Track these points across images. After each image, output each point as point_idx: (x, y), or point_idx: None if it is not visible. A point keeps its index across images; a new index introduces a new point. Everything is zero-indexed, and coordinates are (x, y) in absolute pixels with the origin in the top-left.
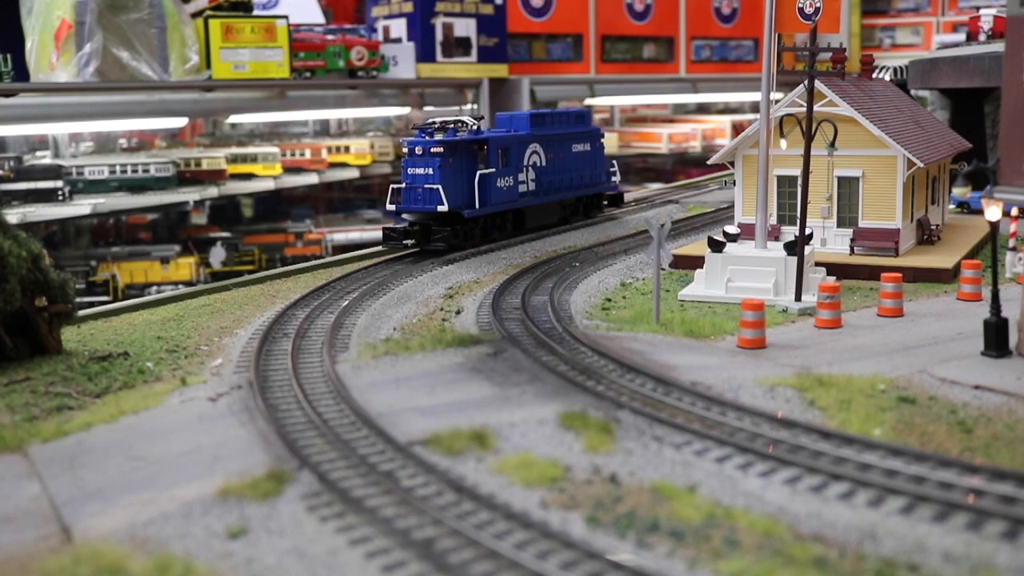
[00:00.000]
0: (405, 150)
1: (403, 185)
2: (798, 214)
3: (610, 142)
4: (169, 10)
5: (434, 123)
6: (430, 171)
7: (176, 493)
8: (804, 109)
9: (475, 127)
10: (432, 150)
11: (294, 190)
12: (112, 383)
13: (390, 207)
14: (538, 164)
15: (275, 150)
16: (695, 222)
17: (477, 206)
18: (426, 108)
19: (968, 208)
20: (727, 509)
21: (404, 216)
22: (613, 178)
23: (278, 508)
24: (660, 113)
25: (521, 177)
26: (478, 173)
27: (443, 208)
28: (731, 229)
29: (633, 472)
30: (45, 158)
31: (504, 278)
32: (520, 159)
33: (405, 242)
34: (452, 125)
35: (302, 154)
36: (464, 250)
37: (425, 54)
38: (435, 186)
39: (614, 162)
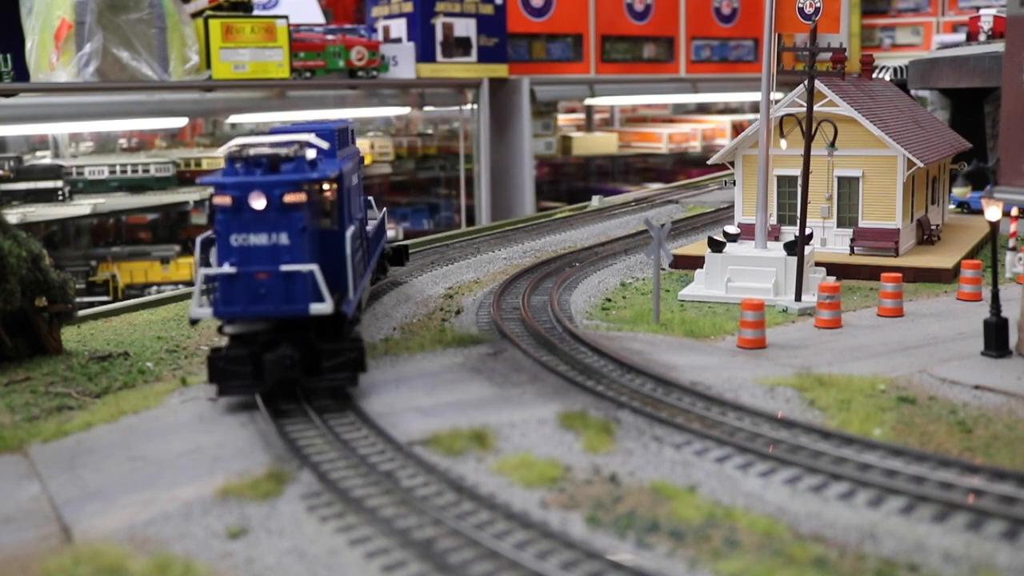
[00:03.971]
0: (219, 200)
1: (219, 270)
2: (798, 214)
3: (610, 142)
4: (169, 10)
5: (254, 147)
6: (283, 239)
7: (176, 493)
8: (804, 109)
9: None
10: (286, 200)
11: None
12: (112, 383)
13: (199, 313)
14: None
15: None
16: (695, 222)
17: (351, 293)
18: (426, 108)
19: (968, 208)
20: (727, 509)
21: (229, 330)
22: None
23: (278, 508)
24: (660, 113)
25: (357, 234)
26: (347, 234)
27: (323, 307)
28: (731, 229)
29: (633, 472)
30: (45, 158)
31: (504, 278)
32: (352, 204)
33: (226, 388)
34: (290, 151)
35: None
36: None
37: (425, 54)
38: (301, 267)
39: (370, 198)
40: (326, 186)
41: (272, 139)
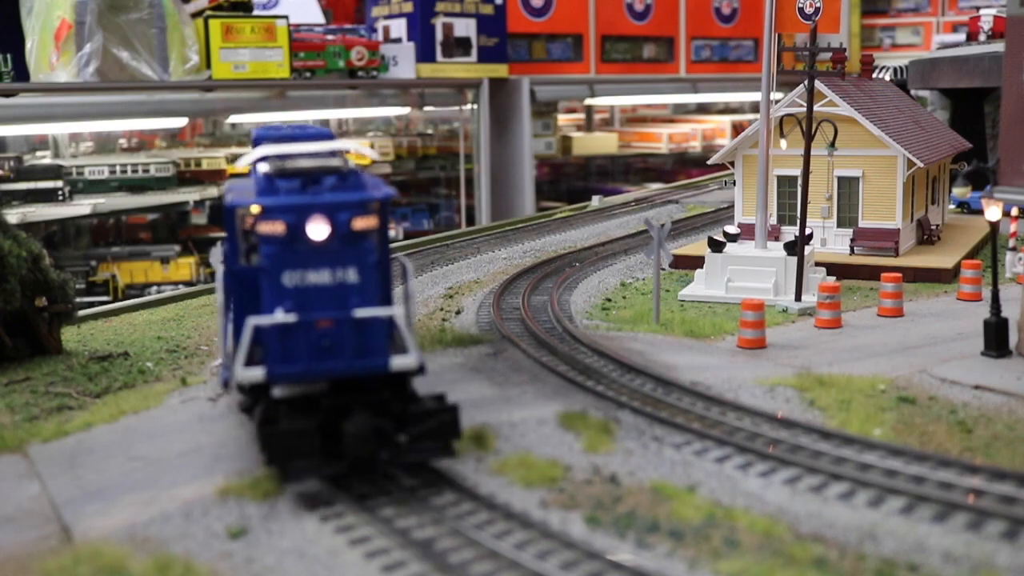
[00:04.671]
0: (267, 228)
1: (273, 319)
2: (798, 214)
3: (610, 142)
4: (169, 10)
5: (289, 158)
6: (351, 276)
7: (176, 493)
8: (804, 109)
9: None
10: (356, 226)
11: None
12: (112, 383)
13: (248, 376)
14: None
15: None
16: (695, 222)
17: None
18: (426, 108)
19: (968, 208)
20: (727, 509)
21: (281, 392)
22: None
23: (279, 508)
24: (660, 113)
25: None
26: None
27: (408, 361)
28: (731, 229)
29: (633, 472)
30: (45, 158)
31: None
32: None
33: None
34: (340, 163)
35: None
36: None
37: (425, 54)
38: (379, 312)
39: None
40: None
41: (298, 148)
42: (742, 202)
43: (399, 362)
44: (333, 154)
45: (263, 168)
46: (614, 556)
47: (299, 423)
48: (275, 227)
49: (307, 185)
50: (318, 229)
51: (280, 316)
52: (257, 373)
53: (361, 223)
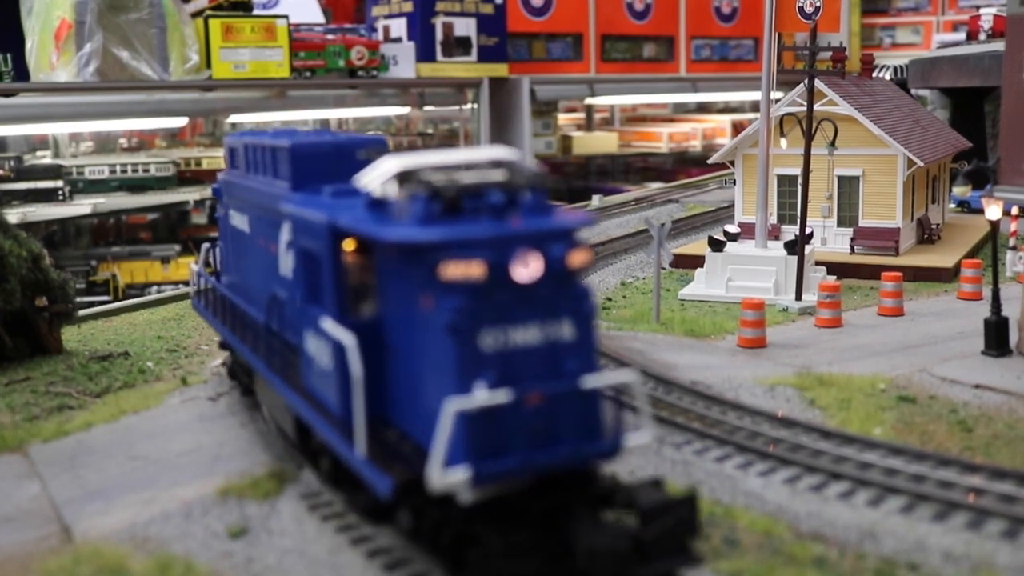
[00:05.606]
0: (457, 271)
1: (482, 400)
2: (798, 213)
3: (610, 141)
4: (169, 10)
5: (428, 171)
6: (565, 332)
7: (177, 493)
8: (804, 108)
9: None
10: (571, 262)
11: None
12: (112, 383)
13: (444, 480)
14: None
15: None
16: (695, 221)
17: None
18: (426, 108)
19: (968, 207)
20: (727, 508)
21: (471, 496)
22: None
23: (279, 507)
24: (660, 112)
25: None
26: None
27: (644, 437)
28: (731, 228)
29: (633, 471)
30: (45, 158)
31: None
32: None
33: None
34: (513, 177)
35: None
36: None
37: (425, 54)
38: (610, 378)
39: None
40: None
41: (433, 159)
42: (742, 201)
43: (637, 439)
44: (493, 165)
45: (380, 188)
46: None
47: (515, 537)
48: (470, 269)
49: (491, 210)
50: (528, 268)
51: (484, 395)
52: (460, 476)
53: (577, 258)
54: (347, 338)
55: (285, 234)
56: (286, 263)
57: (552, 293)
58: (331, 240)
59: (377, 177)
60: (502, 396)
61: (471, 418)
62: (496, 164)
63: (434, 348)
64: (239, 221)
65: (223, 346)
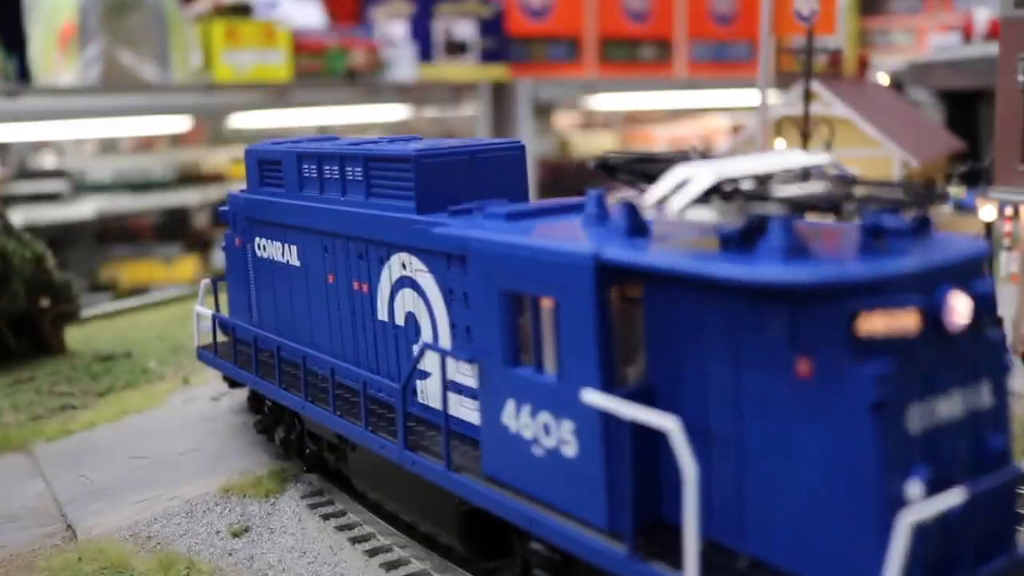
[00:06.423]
0: (888, 323)
1: (934, 512)
2: None
3: (609, 143)
4: (171, 13)
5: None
6: (984, 397)
7: (179, 491)
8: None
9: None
10: (992, 297)
11: None
12: (115, 383)
13: None
14: None
15: None
16: None
17: None
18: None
19: (963, 208)
20: None
21: None
22: None
23: (280, 506)
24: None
25: None
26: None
27: None
28: None
29: None
30: (49, 160)
31: None
32: None
33: None
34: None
35: None
36: None
37: (425, 56)
38: None
39: None
40: None
41: (741, 167)
42: None
43: None
44: (807, 175)
45: (682, 207)
46: None
47: None
48: (903, 319)
49: (876, 235)
50: (961, 315)
51: (937, 498)
52: None
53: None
54: (667, 421)
55: (399, 269)
56: (403, 306)
57: (973, 346)
58: (596, 281)
59: (681, 193)
60: (956, 497)
61: (922, 531)
62: (808, 173)
63: (823, 433)
64: (278, 252)
65: (232, 384)
